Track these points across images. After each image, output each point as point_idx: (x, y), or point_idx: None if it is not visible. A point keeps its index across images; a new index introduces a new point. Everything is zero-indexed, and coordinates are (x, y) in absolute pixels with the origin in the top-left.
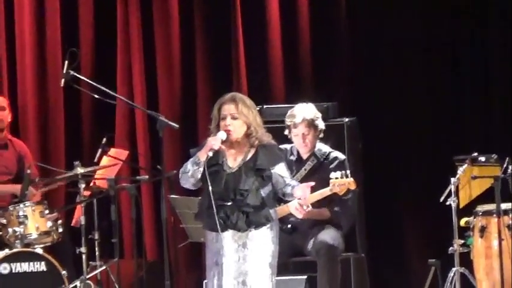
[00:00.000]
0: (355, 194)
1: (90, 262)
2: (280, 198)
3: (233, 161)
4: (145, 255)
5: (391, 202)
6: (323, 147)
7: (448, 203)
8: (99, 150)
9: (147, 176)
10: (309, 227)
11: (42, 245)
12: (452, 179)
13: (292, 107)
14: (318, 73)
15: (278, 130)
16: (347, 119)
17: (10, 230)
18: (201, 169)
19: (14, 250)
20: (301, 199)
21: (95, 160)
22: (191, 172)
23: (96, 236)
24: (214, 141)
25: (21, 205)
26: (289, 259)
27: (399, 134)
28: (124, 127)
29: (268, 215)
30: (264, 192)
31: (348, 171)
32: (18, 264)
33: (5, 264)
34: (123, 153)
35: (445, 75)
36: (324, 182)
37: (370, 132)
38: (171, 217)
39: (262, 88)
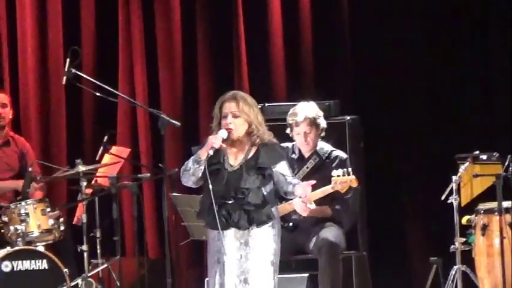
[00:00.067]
0: (357, 192)
1: (92, 260)
2: (281, 196)
3: (234, 159)
4: (146, 253)
5: (392, 200)
6: (325, 146)
7: (449, 201)
8: (101, 148)
9: (148, 174)
10: (311, 225)
11: (43, 243)
12: (454, 177)
13: (294, 105)
14: (319, 71)
15: (280, 128)
16: (349, 117)
17: (12, 228)
18: (202, 167)
19: (16, 248)
20: (302, 197)
21: (97, 158)
22: (192, 170)
23: (98, 234)
24: (215, 140)
25: (23, 203)
26: (291, 257)
27: (400, 132)
28: (126, 125)
29: (269, 213)
30: (266, 190)
31: (350, 169)
32: (20, 262)
33: (7, 262)
34: (125, 151)
35: (446, 74)
36: (325, 181)
37: (371, 131)
38: (173, 215)
39: (263, 86)
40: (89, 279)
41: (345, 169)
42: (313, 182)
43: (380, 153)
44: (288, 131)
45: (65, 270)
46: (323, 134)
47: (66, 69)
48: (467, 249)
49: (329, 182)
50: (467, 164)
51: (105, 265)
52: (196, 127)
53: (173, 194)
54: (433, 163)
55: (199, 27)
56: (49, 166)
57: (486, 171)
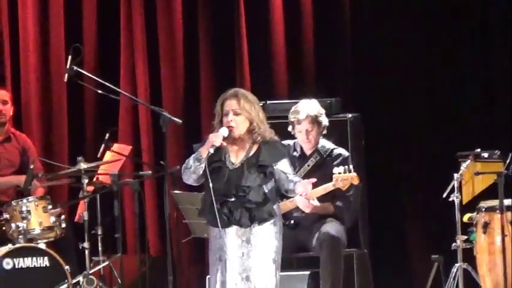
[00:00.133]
0: (358, 190)
1: (93, 257)
2: (283, 194)
3: (236, 157)
4: (148, 250)
5: (393, 198)
6: (326, 144)
7: (451, 199)
8: (103, 146)
9: (150, 172)
10: (312, 222)
11: (45, 240)
12: (456, 175)
13: (296, 102)
14: (321, 69)
15: (281, 126)
16: (350, 115)
17: (13, 225)
18: (203, 165)
19: (17, 245)
20: (302, 196)
21: (98, 155)
22: (193, 168)
23: (99, 231)
24: (216, 138)
25: (24, 200)
26: (292, 254)
27: (402, 130)
28: (127, 122)
29: (271, 210)
30: (267, 188)
31: (351, 166)
32: (21, 259)
33: (8, 260)
34: (127, 149)
35: (446, 74)
36: (327, 178)
37: (372, 129)
38: (174, 212)
39: (265, 84)
40: (90, 276)
41: (346, 166)
42: (314, 180)
43: (380, 151)
44: (289, 128)
45: (66, 267)
46: (325, 132)
47: (68, 67)
48: (468, 247)
49: (330, 180)
50: (468, 161)
51: (107, 262)
52: (197, 125)
53: (175, 191)
54: (433, 162)
55: (201, 26)
56: (50, 163)
57: (488, 169)
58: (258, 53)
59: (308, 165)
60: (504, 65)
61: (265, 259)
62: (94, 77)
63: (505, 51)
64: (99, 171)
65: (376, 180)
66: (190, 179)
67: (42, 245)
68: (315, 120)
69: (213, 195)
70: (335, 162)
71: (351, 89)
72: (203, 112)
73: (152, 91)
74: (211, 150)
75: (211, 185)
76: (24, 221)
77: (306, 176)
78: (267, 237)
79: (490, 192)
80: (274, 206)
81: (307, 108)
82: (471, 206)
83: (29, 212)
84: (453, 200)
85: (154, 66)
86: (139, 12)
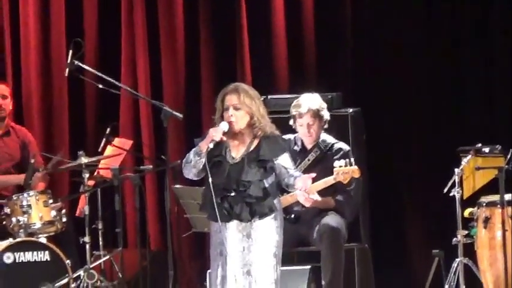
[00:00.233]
0: (359, 184)
1: (94, 252)
2: (283, 188)
3: (236, 151)
4: (149, 245)
5: (394, 193)
6: (327, 138)
7: (452, 194)
8: (103, 140)
9: (151, 166)
10: (313, 216)
11: (45, 235)
12: (456, 170)
13: (297, 97)
14: (322, 64)
15: (282, 120)
16: (351, 110)
17: (14, 219)
18: (203, 160)
19: (18, 239)
20: (301, 190)
21: (99, 150)
22: (193, 163)
23: (100, 226)
24: (215, 133)
25: (25, 194)
26: (293, 249)
27: (402, 125)
28: (128, 117)
29: (271, 205)
30: (267, 182)
31: (352, 159)
32: (22, 253)
33: (9, 254)
34: (127, 143)
35: (446, 73)
36: (327, 173)
37: (373, 123)
38: (175, 207)
39: (266, 78)
40: (91, 270)
41: (347, 159)
42: (314, 174)
43: (381, 146)
44: (291, 122)
45: (67, 261)
46: (326, 126)
47: (68, 61)
48: (469, 242)
49: (331, 174)
50: (469, 156)
51: (107, 257)
52: (198, 119)
53: (175, 186)
54: (434, 157)
55: (202, 20)
56: (51, 158)
57: (488, 164)
58: (259, 47)
59: (309, 160)
60: (504, 65)
61: (265, 253)
62: (95, 72)
63: (505, 51)
64: (100, 166)
65: (377, 174)
66: (190, 173)
67: (43, 239)
68: (316, 114)
69: (212, 189)
70: (336, 157)
71: (351, 83)
72: (204, 106)
73: (153, 85)
74: (211, 145)
75: (210, 179)
76: (25, 215)
77: (306, 170)
78: (267, 231)
79: (490, 187)
80: (275, 201)
81: (309, 102)
82: (472, 200)
83: (29, 206)
84: (454, 195)
85: (155, 60)
86: (140, 6)
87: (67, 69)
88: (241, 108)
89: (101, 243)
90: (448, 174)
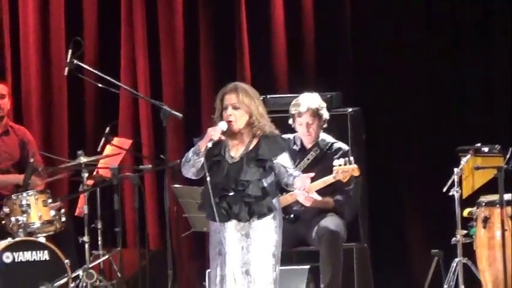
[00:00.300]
0: (358, 184)
1: (93, 251)
2: (282, 187)
3: (235, 151)
4: (148, 244)
5: (393, 192)
6: (327, 138)
7: (451, 194)
8: (103, 139)
9: (150, 166)
10: (312, 216)
11: (45, 234)
12: (456, 170)
13: (296, 96)
14: (321, 63)
15: (281, 120)
16: (351, 109)
17: (13, 219)
18: (202, 159)
19: (17, 239)
20: (300, 190)
21: (98, 149)
22: (192, 162)
23: (99, 225)
24: (214, 132)
25: (24, 194)
26: (292, 249)
27: (402, 125)
28: (127, 116)
29: (270, 204)
30: (266, 182)
31: (352, 158)
32: (21, 253)
33: (8, 253)
34: (127, 143)
35: (446, 73)
36: (326, 172)
37: (373, 123)
38: (174, 206)
39: (265, 78)
40: (90, 270)
41: (347, 158)
42: (312, 174)
43: (380, 146)
44: (290, 121)
45: (66, 261)
46: (325, 126)
47: (68, 60)
48: (468, 241)
49: (330, 173)
50: (469, 156)
51: (106, 256)
52: (198, 118)
53: (175, 185)
54: (434, 157)
55: (202, 20)
56: (50, 157)
57: (488, 163)
58: (259, 46)
59: (308, 159)
60: (504, 65)
61: (264, 253)
62: (94, 71)
63: (505, 51)
64: (99, 165)
65: (376, 174)
66: (189, 172)
67: (42, 239)
68: (316, 113)
69: (210, 189)
70: (335, 156)
71: (351, 83)
72: (203, 106)
73: (152, 85)
74: (210, 144)
75: (208, 179)
76: (24, 215)
77: (306, 170)
78: (266, 231)
79: (490, 187)
80: (274, 200)
81: (309, 101)
82: (471, 200)
83: (28, 205)
84: (453, 195)
85: (154, 60)
86: (140, 5)
87: (66, 68)
88: (240, 108)
89: (100, 242)
90: (448, 174)
